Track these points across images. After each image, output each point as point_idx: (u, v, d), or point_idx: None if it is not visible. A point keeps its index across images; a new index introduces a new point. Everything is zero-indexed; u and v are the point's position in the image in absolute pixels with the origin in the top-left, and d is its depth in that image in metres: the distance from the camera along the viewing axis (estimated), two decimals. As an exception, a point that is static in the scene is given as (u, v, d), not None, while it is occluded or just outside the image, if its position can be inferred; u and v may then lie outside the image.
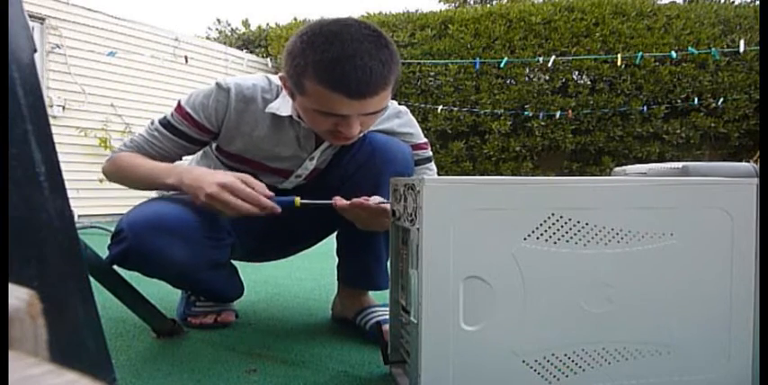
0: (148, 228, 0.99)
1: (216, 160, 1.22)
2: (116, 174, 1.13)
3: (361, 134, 1.09)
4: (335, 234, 1.27)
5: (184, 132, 1.11)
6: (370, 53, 0.90)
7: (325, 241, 1.37)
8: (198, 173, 1.01)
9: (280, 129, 1.12)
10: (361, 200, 0.99)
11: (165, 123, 1.12)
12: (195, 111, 1.10)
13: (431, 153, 1.29)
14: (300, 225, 1.24)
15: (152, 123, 1.14)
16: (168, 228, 0.99)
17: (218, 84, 1.11)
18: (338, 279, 1.28)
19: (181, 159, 1.18)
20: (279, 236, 1.29)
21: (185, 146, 1.14)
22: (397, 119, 1.23)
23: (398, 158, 1.13)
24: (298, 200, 1.02)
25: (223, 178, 0.97)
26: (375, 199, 1.01)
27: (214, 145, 1.19)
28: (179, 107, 1.12)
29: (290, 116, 1.10)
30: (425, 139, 1.28)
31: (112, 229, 1.06)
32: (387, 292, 0.96)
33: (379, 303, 1.21)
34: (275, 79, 1.16)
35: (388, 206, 0.98)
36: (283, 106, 1.10)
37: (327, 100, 0.94)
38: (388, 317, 1.12)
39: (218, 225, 1.10)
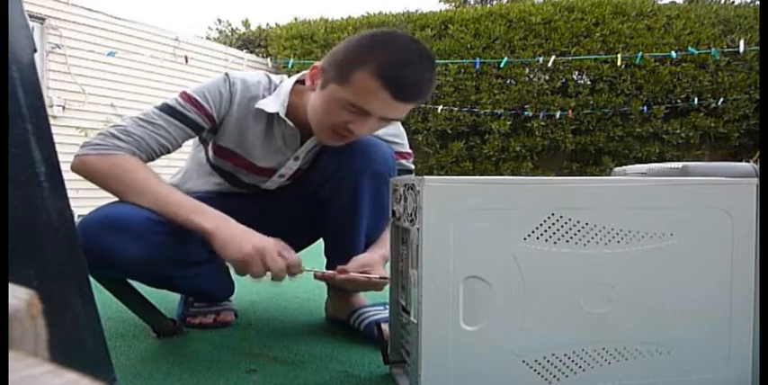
0: (97, 225, 0.97)
1: (204, 156, 1.23)
2: (108, 177, 1.03)
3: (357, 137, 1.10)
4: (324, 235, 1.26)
5: (193, 119, 1.10)
6: (426, 66, 1.01)
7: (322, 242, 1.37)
8: (239, 230, 0.99)
9: (267, 126, 1.15)
10: (354, 271, 1.05)
11: (168, 111, 1.08)
12: (205, 99, 1.10)
13: (413, 166, 1.30)
14: (286, 225, 1.24)
15: (145, 113, 1.09)
16: (118, 225, 0.97)
17: (226, 75, 1.13)
18: None
19: (178, 147, 1.14)
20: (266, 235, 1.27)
21: (189, 134, 1.12)
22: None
23: (378, 157, 1.13)
24: (303, 268, 1.03)
25: (260, 242, 0.97)
26: (363, 261, 1.08)
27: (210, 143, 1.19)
28: (186, 95, 1.10)
29: (277, 113, 1.11)
30: (410, 151, 1.30)
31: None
32: (385, 292, 0.96)
33: (371, 303, 1.21)
34: (275, 78, 1.18)
35: (383, 280, 1.02)
36: (272, 103, 1.11)
37: (371, 95, 0.98)
38: (381, 316, 1.12)
39: None
